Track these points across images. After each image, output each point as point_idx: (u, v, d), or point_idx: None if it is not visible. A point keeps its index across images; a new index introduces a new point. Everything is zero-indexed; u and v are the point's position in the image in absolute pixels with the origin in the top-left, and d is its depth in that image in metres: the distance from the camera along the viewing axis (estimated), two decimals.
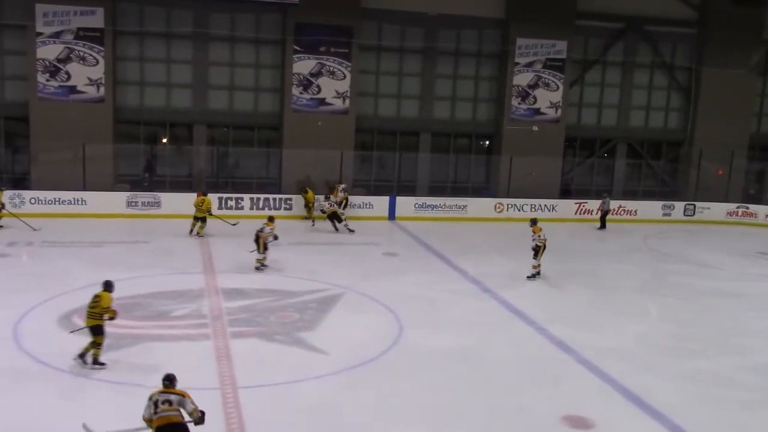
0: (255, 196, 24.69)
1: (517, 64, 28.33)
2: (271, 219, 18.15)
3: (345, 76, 26.61)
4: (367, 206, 25.53)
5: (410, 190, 28.05)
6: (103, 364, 10.97)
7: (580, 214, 27.59)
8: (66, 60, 24.42)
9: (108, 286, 11.32)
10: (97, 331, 11.00)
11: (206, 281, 16.21)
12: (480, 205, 25.79)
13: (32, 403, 9.78)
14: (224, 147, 27.27)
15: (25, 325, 12.72)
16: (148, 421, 8.17)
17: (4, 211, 20.77)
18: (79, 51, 24.47)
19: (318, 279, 16.71)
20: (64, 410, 9.61)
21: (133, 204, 23.35)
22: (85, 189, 23.44)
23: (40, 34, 24.17)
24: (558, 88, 28.79)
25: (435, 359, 12.10)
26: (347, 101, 26.77)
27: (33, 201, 22.51)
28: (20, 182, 24.45)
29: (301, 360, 11.85)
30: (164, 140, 27.13)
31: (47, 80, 24.39)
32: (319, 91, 26.51)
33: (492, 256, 15.17)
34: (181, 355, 11.80)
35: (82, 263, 17.28)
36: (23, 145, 24.73)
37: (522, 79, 28.47)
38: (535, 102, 28.68)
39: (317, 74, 26.42)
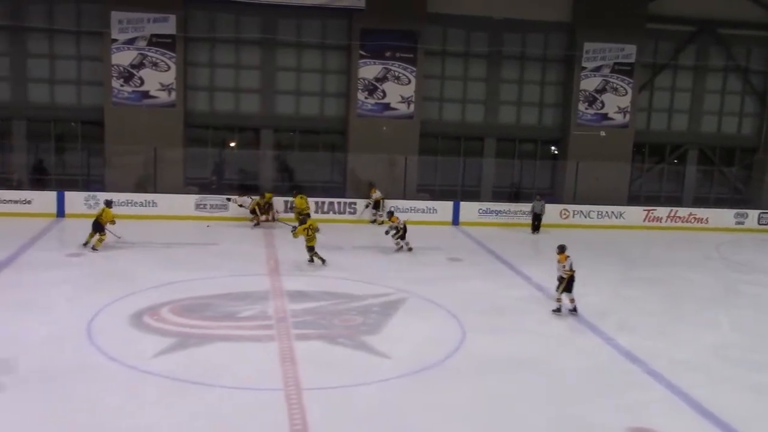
0: (319, 199, 24.94)
1: (584, 68, 27.91)
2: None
3: (410, 81, 26.66)
4: (431, 211, 25.51)
5: (474, 196, 27.90)
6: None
7: (648, 221, 26.98)
8: (139, 66, 25.14)
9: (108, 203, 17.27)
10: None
11: (271, 283, 16.44)
12: (545, 211, 25.44)
13: (102, 398, 10.07)
14: (290, 151, 27.61)
15: (98, 323, 13.11)
16: None
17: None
18: (151, 57, 25.15)
19: (381, 283, 16.77)
20: (131, 407, 9.86)
21: (201, 206, 23.86)
22: (156, 191, 24.06)
23: (115, 40, 24.95)
24: (627, 92, 28.24)
25: (498, 366, 12.00)
26: (412, 106, 26.81)
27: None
28: (95, 184, 25.22)
29: (364, 363, 11.91)
30: (232, 144, 27.65)
31: (121, 86, 25.14)
32: (384, 96, 26.62)
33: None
34: (247, 355, 12.00)
35: (153, 263, 17.76)
36: (98, 148, 25.54)
37: (589, 83, 28.04)
38: (602, 107, 28.20)
39: (382, 79, 26.55)
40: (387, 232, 20.51)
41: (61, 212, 23.12)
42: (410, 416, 9.97)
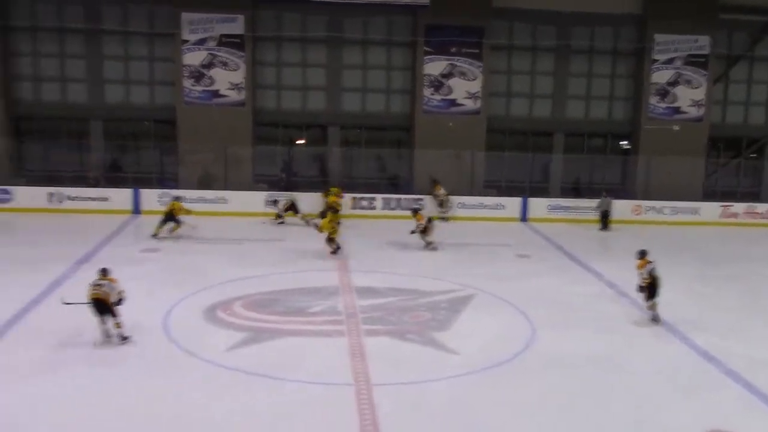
0: (387, 196, 25.03)
1: (656, 61, 27.25)
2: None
3: (476, 77, 26.51)
4: (499, 207, 25.32)
5: (542, 192, 27.57)
6: None
7: (724, 217, 26.17)
8: (209, 66, 25.67)
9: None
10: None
11: (340, 279, 16.58)
12: (616, 207, 24.96)
13: (179, 391, 10.34)
14: (357, 148, 27.79)
15: (173, 317, 13.47)
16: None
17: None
18: (221, 57, 25.66)
19: (449, 279, 16.73)
20: (206, 399, 10.09)
21: (270, 203, 24.21)
22: (226, 188, 24.53)
23: (186, 41, 25.54)
24: (701, 85, 27.45)
25: (568, 364, 11.84)
26: (478, 102, 26.65)
27: (181, 200, 23.73)
28: (168, 182, 25.88)
29: (433, 359, 11.91)
30: (300, 141, 27.98)
31: (192, 85, 25.73)
32: (450, 91, 26.53)
33: (629, 260, 14.61)
34: (317, 350, 12.14)
35: (224, 259, 18.12)
36: (171, 146, 26.20)
37: (661, 76, 27.36)
38: (675, 100, 27.49)
39: (448, 75, 26.46)
40: (413, 232, 20.11)
41: (136, 209, 23.82)
42: (480, 413, 9.94)
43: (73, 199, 23.53)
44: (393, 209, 24.73)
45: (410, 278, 16.80)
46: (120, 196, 23.91)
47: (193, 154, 25.50)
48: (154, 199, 23.78)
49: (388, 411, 9.79)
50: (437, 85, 26.50)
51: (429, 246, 19.94)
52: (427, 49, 26.33)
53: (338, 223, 19.46)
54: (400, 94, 27.46)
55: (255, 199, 24.26)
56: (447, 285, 16.26)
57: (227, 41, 25.66)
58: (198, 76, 25.73)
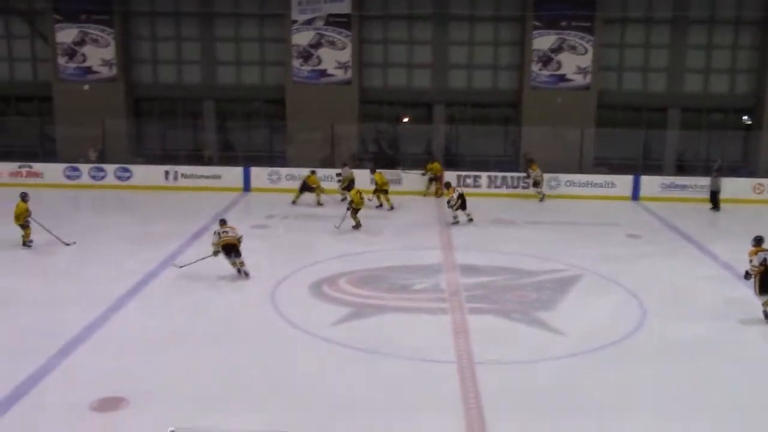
0: (492, 174, 24.71)
1: None
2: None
3: (587, 51, 25.70)
4: (609, 186, 24.52)
5: (656, 170, 26.49)
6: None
7: None
8: (317, 45, 26.02)
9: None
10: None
11: (444, 257, 16.55)
12: (736, 186, 23.68)
13: (286, 362, 10.61)
14: (462, 125, 27.55)
15: (281, 291, 13.82)
16: (216, 245, 14.33)
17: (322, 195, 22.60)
18: (329, 36, 25.95)
19: (555, 259, 16.39)
20: (313, 372, 10.32)
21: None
22: (333, 166, 24.88)
23: (295, 21, 25.96)
24: None
25: (679, 348, 11.38)
26: (589, 76, 25.86)
27: (288, 177, 24.30)
28: (277, 160, 26.48)
29: (538, 340, 11.73)
30: (405, 119, 28.01)
31: (301, 65, 26.16)
32: (559, 67, 25.85)
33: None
34: (420, 327, 12.19)
35: (331, 236, 18.42)
36: (280, 125, 26.79)
37: None
38: None
39: (557, 49, 25.77)
40: (449, 204, 19.87)
41: (246, 187, 24.52)
42: (585, 395, 9.71)
43: (187, 177, 24.46)
44: (499, 187, 24.41)
45: (515, 257, 16.57)
46: (231, 174, 24.66)
47: (301, 133, 25.97)
48: (263, 177, 24.42)
49: (492, 390, 9.72)
50: (546, 60, 25.88)
51: (455, 220, 19.84)
52: (536, 23, 25.71)
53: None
54: (507, 70, 26.98)
55: (359, 177, 24.41)
56: (553, 265, 15.94)
57: (334, 21, 25.90)
58: (306, 55, 26.13)
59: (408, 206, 22.51)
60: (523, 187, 24.33)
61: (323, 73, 26.19)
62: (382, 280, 14.60)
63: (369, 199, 21.34)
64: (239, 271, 14.42)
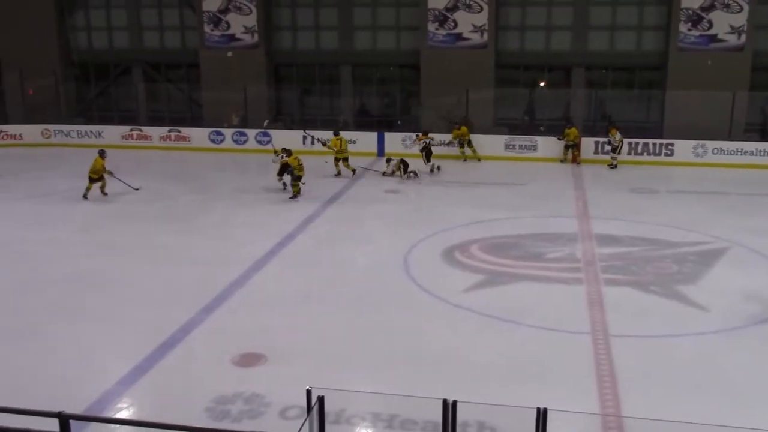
0: (633, 140, 23.69)
1: None
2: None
3: (742, 8, 23.99)
4: (761, 153, 22.94)
5: None
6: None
7: None
8: (453, 9, 25.72)
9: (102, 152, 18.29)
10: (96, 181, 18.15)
11: (580, 226, 16.12)
12: None
13: (417, 326, 10.75)
14: (602, 90, 26.55)
15: (413, 256, 13.96)
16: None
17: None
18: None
19: (700, 230, 15.59)
20: (444, 336, 10.40)
21: (510, 147, 24.02)
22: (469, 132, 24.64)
23: None
24: None
25: None
26: (743, 36, 24.16)
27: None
28: (411, 125, 26.55)
29: (678, 314, 11.26)
30: (542, 84, 27.32)
31: (436, 29, 25.98)
32: (711, 26, 24.30)
33: None
34: (554, 297, 11.98)
35: (463, 201, 18.37)
36: (414, 90, 26.82)
37: None
38: None
39: (709, 8, 24.21)
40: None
41: (380, 152, 24.78)
42: (727, 373, 9.25)
43: (324, 143, 24.96)
44: (640, 154, 23.41)
45: (655, 227, 15.90)
46: (366, 139, 24.97)
47: (435, 98, 25.88)
48: (397, 141, 24.58)
49: (627, 364, 9.44)
50: (695, 19, 24.38)
51: (434, 170, 21.52)
52: None
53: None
54: (652, 31, 25.64)
55: (495, 143, 24.16)
56: (697, 236, 15.19)
57: None
58: (442, 19, 25.91)
59: (544, 172, 22.05)
60: (667, 155, 23.22)
61: (459, 36, 25.91)
62: (515, 248, 14.44)
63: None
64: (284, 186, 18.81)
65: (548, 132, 24.56)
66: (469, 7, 25.61)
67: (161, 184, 20.23)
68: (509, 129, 25.58)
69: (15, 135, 23.29)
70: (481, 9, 25.54)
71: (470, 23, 25.71)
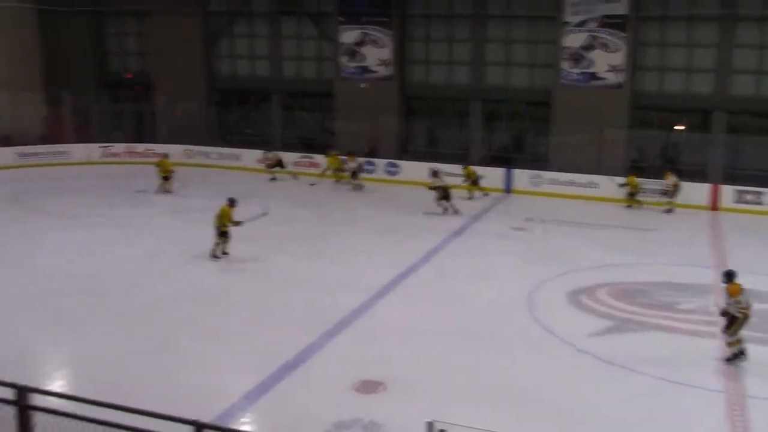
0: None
1: None
2: None
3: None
4: None
5: None
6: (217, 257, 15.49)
7: None
8: (589, 48, 25.31)
9: (231, 201, 15.58)
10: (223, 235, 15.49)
11: (716, 276, 15.32)
12: None
13: (538, 368, 10.53)
14: (744, 135, 25.26)
15: (537, 296, 13.72)
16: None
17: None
18: (601, 38, 25.13)
19: None
20: (564, 381, 10.13)
21: (644, 192, 23.19)
22: (599, 173, 24.05)
23: (567, 23, 25.47)
24: None
25: None
26: None
27: (551, 181, 24.02)
28: (539, 163, 26.23)
29: None
30: (680, 127, 26.31)
31: (570, 67, 25.64)
32: None
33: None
34: (685, 349, 11.47)
35: (590, 243, 17.93)
36: (544, 128, 26.49)
37: None
38: None
39: None
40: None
41: (507, 188, 24.59)
42: None
43: (450, 176, 25.06)
44: None
45: None
46: (493, 175, 24.83)
47: (565, 136, 25.46)
48: (525, 179, 24.33)
49: (763, 427, 8.88)
50: None
51: (448, 210, 20.76)
52: None
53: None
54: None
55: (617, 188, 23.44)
56: None
57: (609, 22, 25.03)
58: (577, 58, 25.55)
59: (676, 219, 21.21)
60: None
61: (593, 76, 25.44)
62: (644, 295, 13.93)
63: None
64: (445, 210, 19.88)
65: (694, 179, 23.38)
66: (605, 46, 25.14)
67: (288, 209, 20.89)
68: (637, 171, 24.57)
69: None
70: (618, 49, 24.99)
71: (606, 63, 25.19)
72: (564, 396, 9.66)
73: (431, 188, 21.18)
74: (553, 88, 26.10)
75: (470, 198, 22.66)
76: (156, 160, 23.96)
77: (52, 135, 29.23)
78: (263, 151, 26.93)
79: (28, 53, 30.40)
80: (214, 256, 15.64)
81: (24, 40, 30.20)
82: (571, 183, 23.65)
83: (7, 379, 5.83)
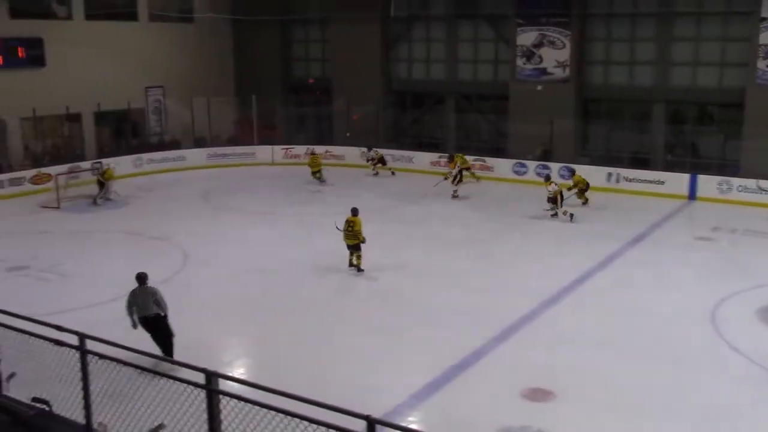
0: None
1: None
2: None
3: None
4: None
5: None
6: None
7: None
8: None
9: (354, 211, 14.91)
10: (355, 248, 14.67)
11: None
12: None
13: (714, 385, 9.88)
14: None
15: (723, 311, 12.85)
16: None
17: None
18: None
19: None
20: (738, 402, 9.50)
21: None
22: None
23: (765, 19, 23.64)
24: None
25: None
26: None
27: (740, 188, 22.41)
28: (728, 168, 24.54)
29: None
30: None
31: (767, 66, 23.79)
32: None
33: None
34: None
35: None
36: (735, 130, 24.74)
37: None
38: None
39: None
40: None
41: (692, 195, 23.22)
42: None
43: (630, 181, 24.09)
44: None
45: None
46: (676, 180, 23.57)
47: (758, 140, 23.62)
48: (712, 186, 22.86)
49: None
50: None
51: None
52: None
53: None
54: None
55: None
56: None
57: None
58: None
59: None
60: None
61: None
62: None
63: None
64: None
65: None
66: None
67: (460, 210, 20.96)
68: None
69: (338, 155, 25.71)
70: None
71: None
72: (750, 421, 9.00)
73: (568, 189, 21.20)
74: (747, 89, 24.32)
75: (585, 203, 21.60)
76: (307, 159, 26.20)
77: (240, 137, 31.16)
78: (365, 148, 27.61)
79: (223, 61, 32.66)
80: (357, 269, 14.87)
81: (221, 49, 32.49)
82: (764, 190, 21.87)
83: (194, 362, 6.21)
